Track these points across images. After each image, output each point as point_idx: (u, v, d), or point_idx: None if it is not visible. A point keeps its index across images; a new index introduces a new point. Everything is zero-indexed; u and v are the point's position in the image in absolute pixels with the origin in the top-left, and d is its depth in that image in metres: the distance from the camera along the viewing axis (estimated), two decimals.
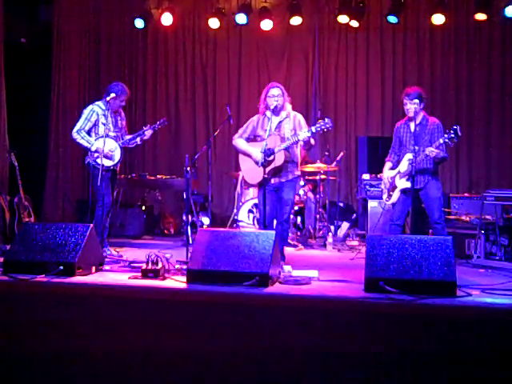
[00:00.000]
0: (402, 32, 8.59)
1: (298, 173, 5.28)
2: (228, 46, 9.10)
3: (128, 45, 9.24)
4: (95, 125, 5.67)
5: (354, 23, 8.27)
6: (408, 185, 5.13)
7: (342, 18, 8.21)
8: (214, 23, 8.54)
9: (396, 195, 5.32)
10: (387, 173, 5.44)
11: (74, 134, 5.64)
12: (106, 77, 8.73)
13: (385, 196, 5.48)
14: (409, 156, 5.16)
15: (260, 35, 8.73)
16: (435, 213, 5.11)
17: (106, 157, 5.56)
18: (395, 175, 5.34)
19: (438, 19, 7.91)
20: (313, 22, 8.74)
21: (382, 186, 5.51)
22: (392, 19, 8.07)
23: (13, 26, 7.87)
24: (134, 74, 9.25)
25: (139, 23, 8.58)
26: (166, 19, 8.48)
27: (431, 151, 4.95)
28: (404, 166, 5.25)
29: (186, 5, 8.92)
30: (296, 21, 8.34)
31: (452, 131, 4.88)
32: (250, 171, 5.21)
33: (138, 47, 9.25)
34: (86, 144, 5.62)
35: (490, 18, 7.85)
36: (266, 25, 8.38)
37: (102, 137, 5.49)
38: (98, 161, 5.45)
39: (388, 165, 5.48)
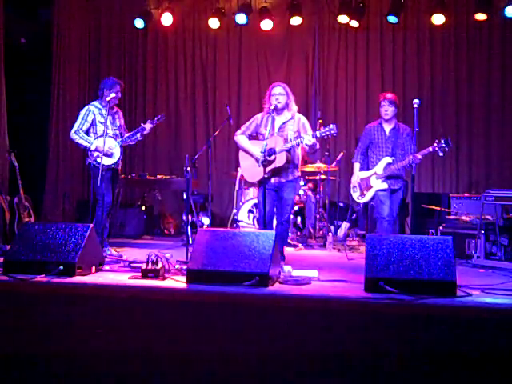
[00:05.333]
0: (401, 32, 8.58)
1: (299, 174, 5.28)
2: (228, 45, 9.10)
3: (128, 45, 9.24)
4: (93, 124, 5.70)
5: (354, 23, 8.27)
6: (385, 186, 5.60)
7: (342, 18, 8.21)
8: (213, 23, 8.54)
9: (370, 194, 5.73)
10: (360, 173, 5.84)
11: (73, 135, 5.68)
12: (106, 76, 8.72)
13: (356, 194, 5.90)
14: (387, 160, 5.62)
15: (260, 35, 8.73)
16: (396, 211, 5.70)
17: (106, 155, 5.56)
18: (370, 176, 5.73)
19: (438, 19, 7.91)
20: (313, 22, 8.74)
21: (355, 184, 5.89)
22: (392, 19, 8.06)
23: (13, 26, 7.87)
24: (134, 74, 9.25)
25: (139, 23, 8.58)
26: (166, 19, 8.48)
27: (420, 158, 5.33)
28: (380, 168, 5.65)
29: (185, 5, 8.91)
30: (296, 21, 8.34)
31: (443, 141, 5.20)
32: (249, 169, 5.21)
33: (138, 47, 9.25)
34: (85, 144, 5.64)
35: (490, 17, 7.85)
36: (266, 25, 8.38)
37: (101, 136, 5.49)
38: (99, 160, 5.45)
39: (357, 166, 5.91)
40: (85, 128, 5.68)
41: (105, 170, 5.50)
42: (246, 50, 9.04)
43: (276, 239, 3.93)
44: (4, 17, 7.50)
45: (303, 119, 5.23)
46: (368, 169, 5.84)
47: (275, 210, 5.22)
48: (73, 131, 5.68)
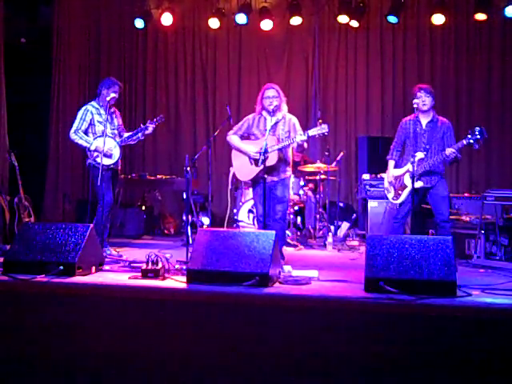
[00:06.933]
0: (401, 32, 8.60)
1: (290, 173, 5.34)
2: (228, 46, 9.11)
3: (128, 45, 9.25)
4: (91, 124, 5.68)
5: (354, 23, 8.28)
6: (420, 184, 5.05)
7: (342, 18, 8.22)
8: (213, 23, 8.54)
9: (405, 194, 5.20)
10: (393, 171, 5.33)
11: (72, 135, 5.66)
12: (106, 77, 8.73)
13: (391, 195, 5.34)
14: (420, 155, 5.08)
15: (260, 35, 8.73)
16: (445, 212, 5.06)
17: (106, 155, 5.55)
18: (403, 174, 5.24)
19: (438, 19, 7.92)
20: (313, 22, 8.75)
21: (386, 185, 5.39)
22: (392, 19, 8.07)
23: (13, 26, 7.88)
24: (134, 74, 9.25)
25: (139, 23, 8.59)
26: (166, 19, 8.48)
27: (452, 152, 4.89)
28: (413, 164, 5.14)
29: (185, 5, 8.92)
30: (296, 21, 8.35)
31: (477, 132, 4.79)
32: (242, 168, 5.26)
33: (138, 47, 9.26)
34: (84, 144, 5.62)
35: (490, 17, 7.86)
36: (266, 25, 8.39)
37: (100, 136, 5.49)
38: (98, 160, 5.44)
39: (392, 163, 5.38)
40: (83, 128, 5.66)
41: (105, 169, 5.49)
42: (246, 50, 9.05)
43: (276, 239, 3.93)
44: (4, 17, 7.50)
45: (294, 119, 5.29)
46: (401, 167, 5.34)
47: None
48: (72, 131, 5.66)
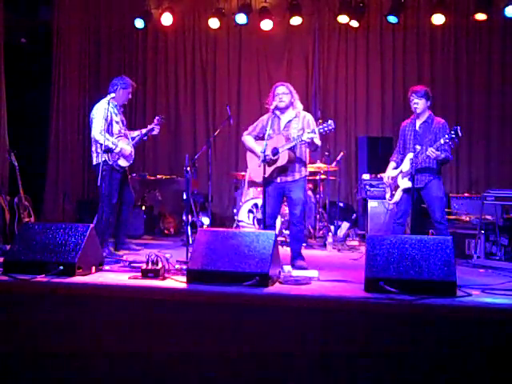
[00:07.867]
0: (401, 32, 8.60)
1: (306, 173, 5.21)
2: (228, 45, 9.11)
3: (128, 45, 9.25)
4: (109, 124, 5.49)
5: (354, 23, 8.28)
6: (410, 184, 5.08)
7: (342, 18, 8.22)
8: (213, 23, 8.54)
9: (398, 194, 5.31)
10: (389, 172, 5.43)
11: (98, 136, 5.41)
12: (106, 77, 8.69)
13: (388, 195, 5.47)
14: (410, 156, 5.16)
15: (260, 35, 8.73)
16: (437, 212, 5.09)
17: (126, 156, 5.53)
18: (397, 175, 5.33)
19: (438, 19, 7.92)
20: (313, 22, 8.75)
21: (385, 185, 5.52)
22: (392, 19, 8.07)
23: (13, 26, 7.88)
24: (134, 74, 9.21)
25: (139, 23, 8.59)
26: (166, 19, 8.49)
27: (432, 152, 4.92)
28: (406, 165, 5.23)
29: (185, 5, 8.92)
30: (296, 21, 8.35)
31: (452, 132, 4.86)
32: (256, 169, 5.21)
33: (138, 47, 9.26)
34: (110, 145, 5.38)
35: (490, 17, 7.86)
36: (266, 25, 8.39)
37: (119, 136, 5.44)
38: (120, 162, 5.43)
39: (392, 164, 5.46)
40: (105, 128, 5.38)
41: (120, 171, 5.51)
42: (246, 50, 9.05)
43: (276, 239, 3.93)
44: (4, 16, 7.50)
45: (308, 116, 5.19)
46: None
47: (287, 210, 5.20)
48: (97, 132, 5.41)
